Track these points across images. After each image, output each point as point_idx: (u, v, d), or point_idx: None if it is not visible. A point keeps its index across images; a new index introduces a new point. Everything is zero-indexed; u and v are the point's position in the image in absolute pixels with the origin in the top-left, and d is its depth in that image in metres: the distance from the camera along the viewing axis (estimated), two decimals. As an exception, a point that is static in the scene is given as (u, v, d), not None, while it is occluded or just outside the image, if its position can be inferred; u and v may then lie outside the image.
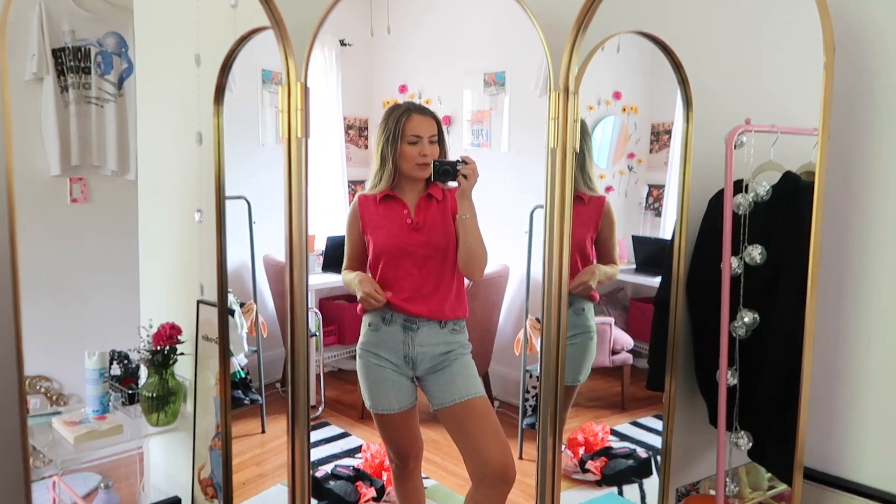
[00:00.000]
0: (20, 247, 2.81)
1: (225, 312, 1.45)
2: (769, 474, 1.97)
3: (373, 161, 1.86)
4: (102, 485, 1.95)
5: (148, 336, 1.81)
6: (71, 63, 2.61)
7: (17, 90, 2.55)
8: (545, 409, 1.06)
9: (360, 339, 1.91)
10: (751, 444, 1.52)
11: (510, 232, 3.36)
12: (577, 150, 0.99)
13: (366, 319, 1.90)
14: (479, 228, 1.78)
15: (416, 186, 1.85)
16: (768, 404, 1.51)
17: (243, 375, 2.96)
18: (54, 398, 2.76)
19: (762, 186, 1.51)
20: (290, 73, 0.88)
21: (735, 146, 1.51)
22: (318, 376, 3.51)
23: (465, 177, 1.73)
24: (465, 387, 1.86)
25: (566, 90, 0.94)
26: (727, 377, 1.51)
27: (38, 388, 2.73)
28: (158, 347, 1.78)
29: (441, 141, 1.84)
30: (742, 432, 1.52)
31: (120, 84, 2.70)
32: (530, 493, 1.78)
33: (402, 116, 1.81)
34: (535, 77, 3.74)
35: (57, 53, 2.57)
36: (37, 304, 2.65)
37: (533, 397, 3.48)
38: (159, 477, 2.11)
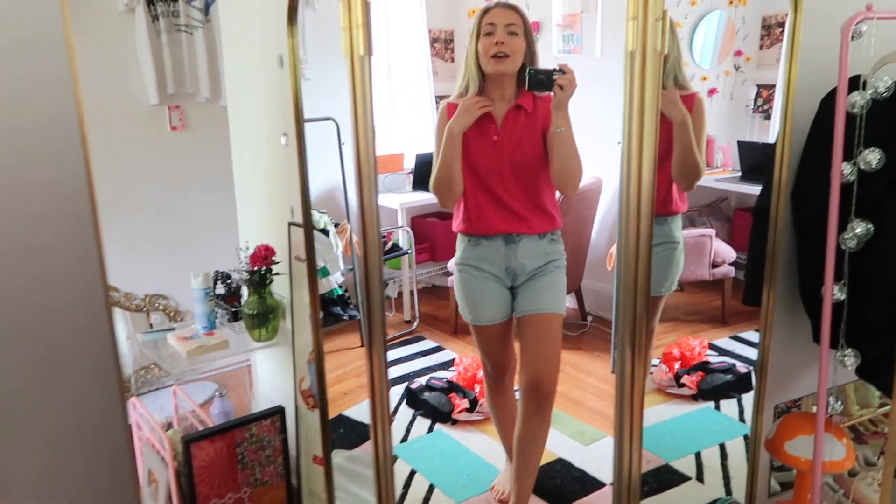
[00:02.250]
0: (129, 172, 2.97)
1: (310, 235, 1.48)
2: (879, 392, 1.87)
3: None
4: (217, 393, 2.11)
5: (245, 258, 1.89)
6: (159, -8, 2.65)
7: (111, 22, 2.62)
8: (623, 321, 1.01)
9: (459, 254, 1.91)
10: (858, 362, 1.42)
11: (603, 143, 3.23)
12: (663, 53, 0.89)
13: (463, 236, 1.91)
14: (574, 141, 1.71)
15: (505, 95, 1.78)
16: (881, 321, 1.40)
17: (341, 292, 3.08)
18: (172, 314, 2.99)
19: (883, 82, 1.34)
20: (347, -13, 0.82)
21: (852, 37, 1.34)
22: (411, 292, 3.60)
23: (561, 87, 1.63)
24: (547, 300, 1.86)
25: (645, -14, 0.83)
26: (834, 292, 1.41)
27: (157, 305, 2.96)
28: (255, 268, 1.86)
29: (528, 36, 1.75)
30: (848, 350, 1.43)
31: (206, 10, 2.73)
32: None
33: (483, 12, 1.74)
34: (628, -28, 3.46)
35: (146, -18, 2.61)
36: (150, 226, 2.84)
37: (628, 311, 3.42)
38: (267, 387, 2.26)
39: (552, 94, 1.66)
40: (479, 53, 1.74)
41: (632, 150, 0.94)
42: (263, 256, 1.86)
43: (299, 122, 1.44)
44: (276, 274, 1.92)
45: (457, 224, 1.91)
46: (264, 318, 1.93)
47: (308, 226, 1.49)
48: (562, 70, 1.64)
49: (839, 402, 1.50)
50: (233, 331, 2.01)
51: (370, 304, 0.95)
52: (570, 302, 3.69)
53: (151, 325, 2.95)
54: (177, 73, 2.74)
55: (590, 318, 3.68)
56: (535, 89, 1.69)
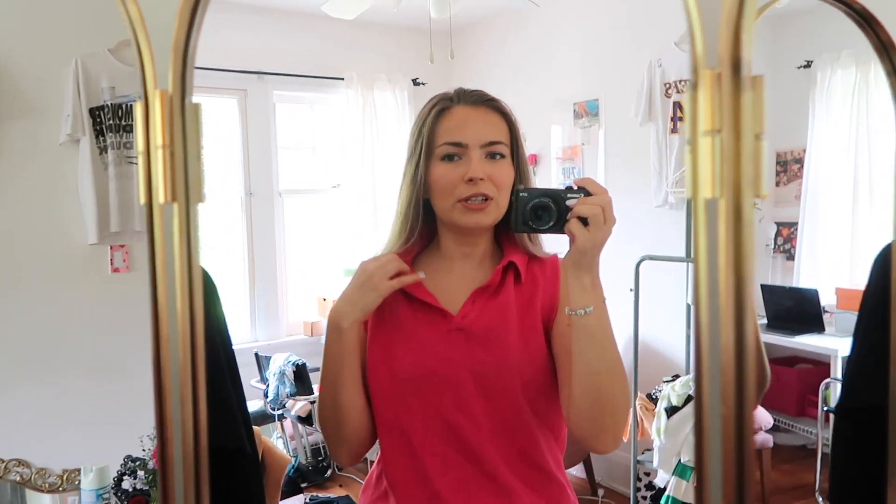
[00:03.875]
0: (60, 321, 2.56)
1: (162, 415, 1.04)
2: None
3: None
4: None
5: (149, 449, 1.44)
6: (110, 122, 2.39)
7: (51, 154, 2.34)
8: None
9: None
10: None
11: (611, 289, 2.83)
12: (764, 198, 0.46)
13: None
14: (612, 338, 0.92)
15: (476, 250, 1.01)
16: None
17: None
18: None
19: None
20: (145, 73, 0.40)
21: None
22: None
23: (583, 221, 0.87)
24: None
25: (736, 64, 0.38)
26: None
27: (76, 483, 2.45)
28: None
29: (516, 152, 1.00)
30: None
31: (163, 141, 2.45)
32: None
33: (435, 112, 0.98)
34: (634, 103, 3.25)
35: (95, 112, 2.36)
36: (78, 387, 2.40)
37: (646, 487, 2.90)
38: None
39: (567, 235, 0.89)
40: (433, 188, 0.97)
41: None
42: (171, 451, 1.40)
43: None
44: (191, 472, 1.46)
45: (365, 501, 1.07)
46: (171, 533, 1.44)
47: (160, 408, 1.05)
48: (582, 188, 0.89)
49: None
50: (134, 544, 1.52)
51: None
52: (577, 471, 3.15)
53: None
54: (124, 208, 2.42)
55: (601, 493, 3.12)
56: (532, 227, 0.91)
